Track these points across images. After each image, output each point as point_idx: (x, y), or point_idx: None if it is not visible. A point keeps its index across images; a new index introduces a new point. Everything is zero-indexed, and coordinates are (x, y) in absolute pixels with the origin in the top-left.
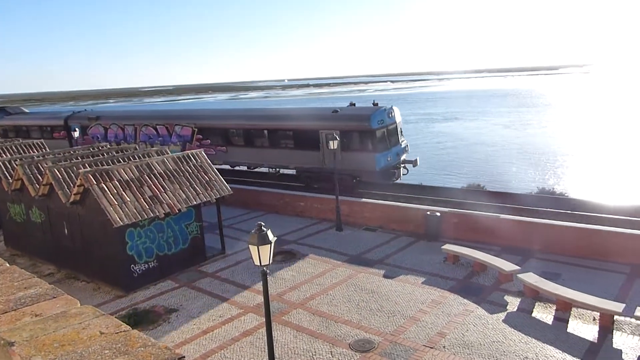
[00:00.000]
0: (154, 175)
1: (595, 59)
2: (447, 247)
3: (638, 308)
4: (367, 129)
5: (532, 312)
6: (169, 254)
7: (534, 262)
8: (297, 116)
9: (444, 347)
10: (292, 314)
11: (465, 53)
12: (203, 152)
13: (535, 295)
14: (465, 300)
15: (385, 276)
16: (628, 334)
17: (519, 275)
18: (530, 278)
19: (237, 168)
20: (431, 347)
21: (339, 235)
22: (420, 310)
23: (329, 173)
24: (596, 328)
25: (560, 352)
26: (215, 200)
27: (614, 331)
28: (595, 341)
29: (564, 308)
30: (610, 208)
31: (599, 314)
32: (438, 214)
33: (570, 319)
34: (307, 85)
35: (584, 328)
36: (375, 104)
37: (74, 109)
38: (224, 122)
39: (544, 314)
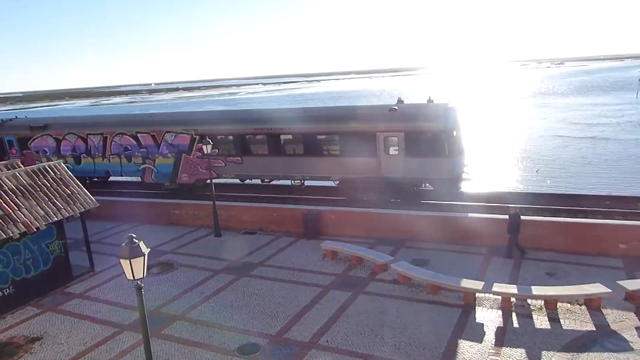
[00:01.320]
0: (5, 192)
1: (445, 60)
2: (326, 244)
3: (495, 284)
4: (441, 130)
5: (406, 298)
6: (27, 277)
7: (406, 251)
8: (345, 117)
9: (327, 341)
10: (173, 326)
11: (334, 55)
12: (63, 164)
13: (408, 282)
14: (345, 293)
15: (267, 278)
16: (488, 308)
17: (392, 265)
18: (402, 267)
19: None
20: (315, 343)
21: (218, 241)
22: (303, 308)
23: (388, 183)
24: (462, 305)
25: (433, 332)
26: (79, 215)
27: (477, 307)
28: (462, 318)
29: (434, 291)
30: (469, 196)
31: (463, 293)
32: (315, 212)
33: (439, 300)
34: (177, 89)
35: (451, 307)
36: (430, 101)
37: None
38: (239, 126)
39: (417, 298)
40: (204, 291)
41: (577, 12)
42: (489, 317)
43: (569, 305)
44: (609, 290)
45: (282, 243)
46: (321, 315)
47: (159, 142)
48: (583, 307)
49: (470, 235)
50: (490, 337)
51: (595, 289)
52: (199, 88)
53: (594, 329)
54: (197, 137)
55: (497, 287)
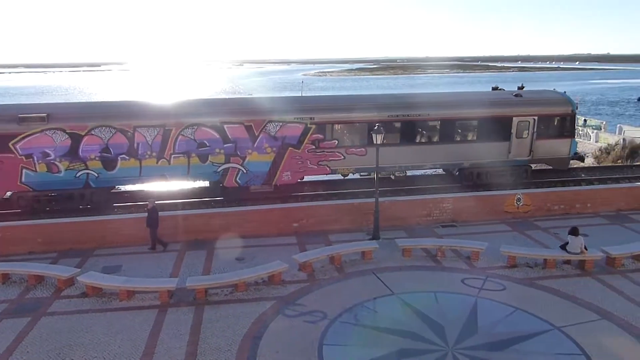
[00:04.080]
0: None
1: (133, 57)
2: None
3: (188, 278)
4: (569, 113)
5: (97, 310)
6: None
7: (95, 260)
8: (485, 101)
9: None
10: None
11: None
12: None
13: (99, 293)
14: (23, 319)
15: None
16: (184, 303)
17: (79, 278)
18: (91, 277)
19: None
20: None
21: None
22: None
23: (514, 166)
24: (158, 305)
25: (129, 339)
26: None
27: (173, 304)
28: (158, 318)
29: (128, 297)
30: (165, 194)
31: (158, 293)
32: None
33: (135, 305)
34: None
35: (148, 309)
36: (521, 87)
37: None
38: (371, 113)
39: (110, 307)
40: None
41: (253, 18)
42: (185, 311)
43: (256, 284)
44: (286, 265)
45: None
46: None
47: (257, 134)
48: (269, 283)
49: (163, 234)
50: (187, 330)
51: (276, 266)
52: None
53: (277, 301)
54: (313, 126)
55: (190, 281)
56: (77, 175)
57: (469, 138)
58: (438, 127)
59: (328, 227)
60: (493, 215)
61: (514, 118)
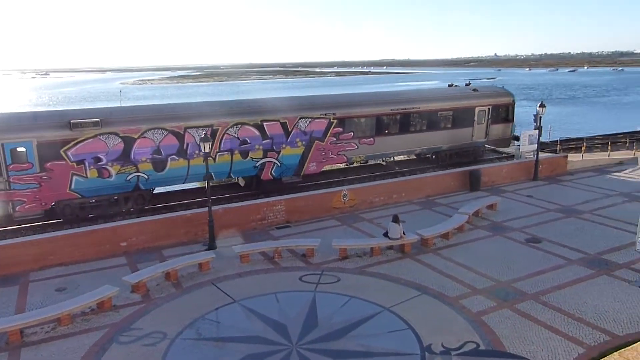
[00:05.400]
0: None
1: None
2: None
3: (36, 311)
4: (511, 103)
5: None
6: None
7: None
8: (457, 95)
9: None
10: None
11: None
12: None
13: None
14: None
15: None
16: (36, 343)
17: None
18: None
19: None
20: None
21: None
22: None
23: (475, 147)
24: (7, 347)
25: None
26: None
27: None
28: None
29: None
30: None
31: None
32: None
33: None
34: None
35: None
36: (468, 84)
37: None
38: (379, 108)
39: None
40: None
41: (59, 23)
42: (51, 349)
43: (83, 315)
44: (116, 289)
45: None
46: None
47: (290, 130)
48: (98, 311)
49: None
50: None
51: (104, 291)
52: None
53: (109, 328)
54: (335, 121)
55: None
56: (128, 178)
57: (447, 125)
58: (427, 117)
59: (161, 243)
60: (323, 212)
61: (476, 108)
